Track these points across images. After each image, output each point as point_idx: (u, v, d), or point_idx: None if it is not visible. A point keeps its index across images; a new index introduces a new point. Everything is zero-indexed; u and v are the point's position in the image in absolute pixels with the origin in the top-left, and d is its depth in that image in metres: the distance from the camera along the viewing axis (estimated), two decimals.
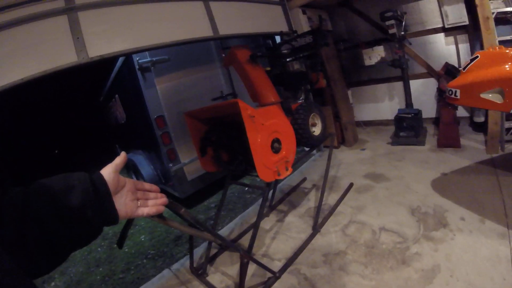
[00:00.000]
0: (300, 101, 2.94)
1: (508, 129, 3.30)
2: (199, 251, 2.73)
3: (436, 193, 2.74)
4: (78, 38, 2.16)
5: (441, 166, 3.22)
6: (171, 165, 3.62)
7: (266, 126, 2.05)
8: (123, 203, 0.65)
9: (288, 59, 2.72)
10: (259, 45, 4.54)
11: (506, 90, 1.74)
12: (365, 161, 3.87)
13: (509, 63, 1.77)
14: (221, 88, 4.07)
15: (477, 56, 1.99)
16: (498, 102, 1.78)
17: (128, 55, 3.21)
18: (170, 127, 3.61)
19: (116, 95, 4.96)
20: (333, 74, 4.45)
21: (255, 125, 1.94)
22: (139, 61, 3.39)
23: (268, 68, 2.89)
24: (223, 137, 2.33)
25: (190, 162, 3.76)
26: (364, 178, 3.40)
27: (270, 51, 3.00)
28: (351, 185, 3.27)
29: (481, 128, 3.80)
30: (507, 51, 1.96)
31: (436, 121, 4.42)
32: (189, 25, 2.86)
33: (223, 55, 3.63)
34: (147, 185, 0.75)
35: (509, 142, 3.33)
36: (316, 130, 2.70)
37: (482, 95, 1.83)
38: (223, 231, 3.05)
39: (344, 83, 4.76)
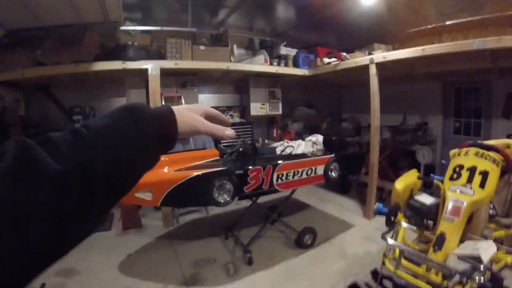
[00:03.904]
0: None
1: None
2: None
3: (123, 275, 3.04)
4: None
5: (126, 248, 3.61)
6: None
7: None
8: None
9: None
10: None
11: (153, 191, 2.44)
12: None
13: (157, 169, 2.54)
14: None
15: None
16: (149, 199, 2.44)
17: None
18: None
19: None
20: None
21: None
22: None
23: None
24: None
25: None
26: (55, 276, 3.12)
27: None
28: (43, 285, 2.97)
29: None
30: (161, 158, 2.81)
31: (121, 204, 4.94)
32: None
33: None
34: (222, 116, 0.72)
35: (183, 214, 4.40)
36: None
37: (137, 194, 2.44)
38: None
39: None
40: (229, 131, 0.67)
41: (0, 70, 3.83)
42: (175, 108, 0.60)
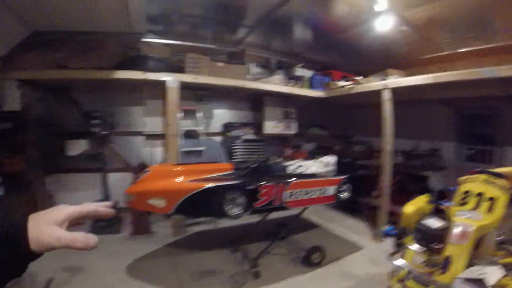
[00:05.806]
0: None
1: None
2: None
3: (128, 278, 3.11)
4: None
5: (134, 252, 3.66)
6: None
7: None
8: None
9: None
10: None
11: (167, 198, 2.50)
12: (63, 254, 3.66)
13: (172, 178, 2.64)
14: None
15: (149, 170, 2.71)
16: (161, 206, 2.50)
17: None
18: None
19: None
20: (33, 159, 4.12)
21: None
22: None
23: None
24: None
25: None
26: (63, 272, 3.23)
27: None
28: (51, 279, 3.04)
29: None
30: (176, 168, 2.87)
31: (132, 210, 4.97)
32: None
33: None
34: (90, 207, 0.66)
35: (191, 225, 4.44)
36: None
37: (150, 201, 2.50)
38: None
39: (42, 169, 4.46)
40: (92, 241, 0.61)
41: (22, 69, 3.95)
42: (32, 224, 0.57)
